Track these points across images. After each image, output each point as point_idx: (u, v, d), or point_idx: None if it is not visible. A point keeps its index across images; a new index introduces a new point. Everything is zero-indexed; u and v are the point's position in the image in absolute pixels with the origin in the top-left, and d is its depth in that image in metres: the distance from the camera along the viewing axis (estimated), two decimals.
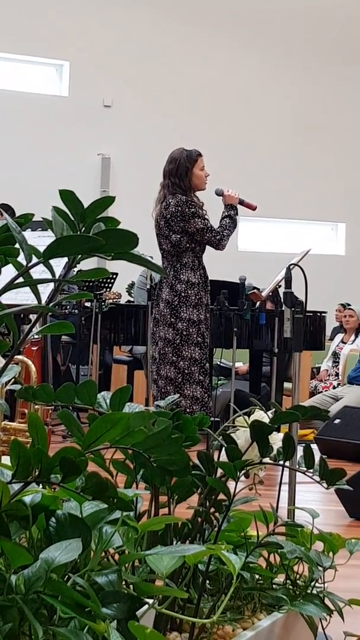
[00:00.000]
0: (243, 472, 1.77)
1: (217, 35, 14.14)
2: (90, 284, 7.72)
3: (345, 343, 9.56)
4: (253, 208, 6.01)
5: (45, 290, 3.68)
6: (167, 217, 5.70)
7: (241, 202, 5.96)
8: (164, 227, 5.73)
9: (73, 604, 1.25)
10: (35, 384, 3.34)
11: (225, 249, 5.82)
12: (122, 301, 8.85)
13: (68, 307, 7.82)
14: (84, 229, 1.18)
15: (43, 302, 1.26)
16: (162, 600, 1.56)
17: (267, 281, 6.19)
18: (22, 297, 2.99)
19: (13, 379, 1.45)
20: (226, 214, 5.88)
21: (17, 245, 1.22)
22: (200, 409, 5.61)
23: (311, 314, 7.85)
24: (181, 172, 5.76)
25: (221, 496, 1.79)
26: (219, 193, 5.97)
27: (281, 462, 1.81)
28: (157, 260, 5.49)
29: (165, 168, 5.86)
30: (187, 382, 5.66)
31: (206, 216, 5.77)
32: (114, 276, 8.44)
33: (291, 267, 4.01)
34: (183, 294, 5.68)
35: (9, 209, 9.38)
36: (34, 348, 6.85)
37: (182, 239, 5.69)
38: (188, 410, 5.54)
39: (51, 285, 3.40)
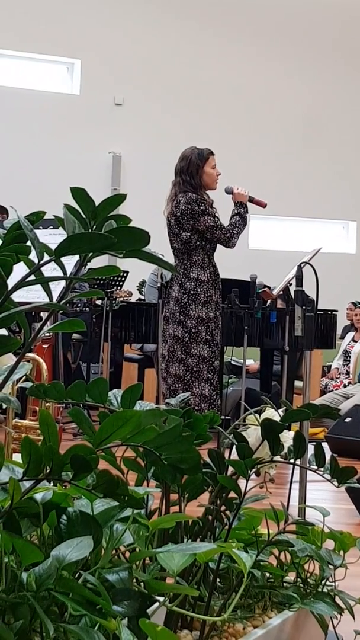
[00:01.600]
0: (254, 470, 1.76)
1: (227, 34, 14.12)
2: (101, 282, 7.72)
3: (356, 341, 9.55)
4: (263, 205, 6.01)
5: (56, 288, 3.68)
6: (177, 215, 5.71)
7: (251, 200, 5.96)
8: (175, 225, 5.74)
9: (84, 601, 1.25)
10: (46, 381, 3.34)
11: (235, 246, 5.82)
12: (133, 299, 8.86)
13: (79, 305, 7.83)
14: (95, 226, 1.18)
15: (54, 300, 1.26)
16: (172, 598, 1.56)
17: (278, 280, 6.19)
18: (34, 294, 2.99)
19: (24, 377, 1.45)
20: (236, 211, 5.88)
21: (28, 243, 1.22)
22: (209, 406, 5.61)
23: (322, 313, 7.84)
24: (192, 170, 5.76)
25: (232, 494, 1.79)
26: (229, 191, 5.97)
27: (292, 461, 1.81)
28: (168, 258, 5.50)
29: (176, 166, 5.86)
30: (195, 380, 5.66)
31: (216, 214, 5.77)
32: (125, 274, 8.45)
33: (302, 265, 4.00)
34: (192, 292, 5.69)
35: (4, 211, 9.38)
36: (45, 346, 6.85)
37: (192, 237, 5.70)
38: (196, 408, 5.54)
39: (62, 284, 3.40)
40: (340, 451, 6.30)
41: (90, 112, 13.48)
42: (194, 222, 5.66)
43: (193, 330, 5.68)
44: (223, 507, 1.84)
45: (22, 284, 1.18)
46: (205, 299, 5.70)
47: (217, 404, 5.73)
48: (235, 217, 5.85)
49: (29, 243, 1.22)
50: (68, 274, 1.23)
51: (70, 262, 3.23)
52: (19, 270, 1.23)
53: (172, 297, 5.81)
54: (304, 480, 3.43)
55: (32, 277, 1.20)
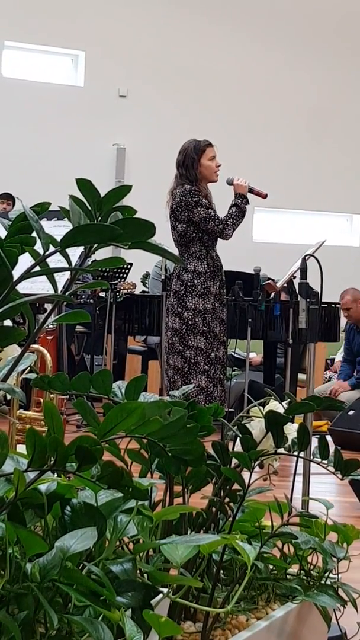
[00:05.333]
0: (257, 462, 1.77)
1: (232, 26, 14.08)
2: (105, 274, 7.73)
3: None
4: (263, 196, 5.99)
5: (61, 280, 3.67)
6: (173, 207, 5.75)
7: (251, 190, 5.94)
8: (171, 217, 5.79)
9: (88, 592, 1.25)
10: (50, 373, 3.34)
11: (231, 238, 5.81)
12: (137, 291, 8.86)
13: (83, 297, 7.83)
14: (100, 218, 1.18)
15: (59, 291, 1.26)
16: (176, 590, 1.56)
17: (282, 272, 6.19)
18: (38, 286, 2.99)
19: (29, 368, 1.45)
20: (233, 202, 5.88)
21: (33, 234, 1.22)
22: (205, 398, 5.62)
23: (326, 305, 7.84)
24: (187, 163, 5.79)
25: (236, 486, 1.79)
26: (230, 182, 5.97)
27: (296, 453, 1.81)
28: (172, 250, 5.49)
29: (176, 159, 5.89)
30: (193, 372, 5.67)
31: (212, 206, 5.78)
32: (129, 266, 8.45)
33: (306, 258, 3.99)
34: (189, 284, 5.70)
35: (10, 198, 9.37)
36: (49, 337, 6.87)
37: (188, 229, 5.72)
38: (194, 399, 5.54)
39: (66, 275, 3.40)
40: (344, 444, 6.30)
41: (94, 103, 13.46)
42: (188, 214, 5.69)
43: (190, 322, 5.69)
44: (227, 499, 1.84)
45: (27, 274, 1.18)
46: (202, 291, 5.70)
47: (215, 396, 5.72)
48: (232, 208, 5.85)
49: (34, 234, 1.21)
50: (73, 266, 1.22)
51: (74, 254, 3.23)
52: (24, 261, 1.23)
53: (172, 289, 5.84)
54: (307, 472, 3.43)
55: (38, 268, 1.20)
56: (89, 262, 1.33)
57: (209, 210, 5.71)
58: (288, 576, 1.96)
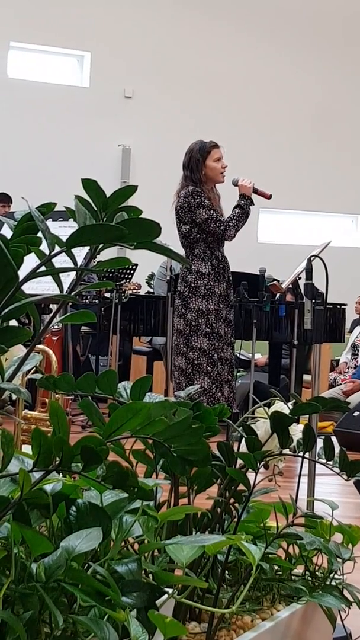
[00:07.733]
0: (263, 463, 1.76)
1: (237, 26, 14.09)
2: (110, 274, 7.73)
3: None
4: (267, 197, 5.97)
5: (66, 280, 3.67)
6: (177, 209, 5.76)
7: (255, 191, 5.93)
8: (176, 218, 5.79)
9: (93, 592, 1.25)
10: (56, 373, 3.34)
11: (233, 239, 5.79)
12: (142, 292, 8.86)
13: (88, 297, 7.84)
14: (106, 218, 1.18)
15: (64, 291, 1.26)
16: (181, 590, 1.56)
17: (287, 273, 6.18)
18: (43, 286, 2.99)
19: (34, 368, 1.45)
20: (236, 204, 5.88)
21: (39, 234, 1.22)
22: (208, 400, 5.61)
23: (331, 306, 7.83)
24: (192, 165, 5.79)
25: (241, 487, 1.79)
26: (235, 183, 5.96)
27: (301, 454, 1.81)
28: (177, 251, 5.49)
29: (182, 160, 5.89)
30: (196, 373, 5.67)
31: (216, 207, 5.77)
32: (134, 267, 8.45)
33: (312, 258, 3.99)
34: (193, 285, 5.71)
35: (8, 199, 9.38)
36: (54, 338, 6.87)
37: (192, 230, 5.73)
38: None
39: (71, 276, 3.40)
40: (349, 445, 6.30)
41: (99, 104, 13.47)
42: (191, 215, 5.70)
43: (193, 323, 5.70)
44: (232, 500, 1.84)
45: (33, 274, 1.18)
46: (205, 292, 5.70)
47: (218, 397, 5.71)
48: (235, 209, 5.85)
49: (39, 234, 1.22)
50: (78, 266, 1.22)
51: (80, 254, 3.23)
52: (29, 261, 1.23)
53: (177, 291, 5.86)
54: (312, 473, 3.43)
55: (43, 268, 1.20)
56: (95, 263, 1.33)
57: (211, 211, 5.71)
58: (293, 577, 1.96)
